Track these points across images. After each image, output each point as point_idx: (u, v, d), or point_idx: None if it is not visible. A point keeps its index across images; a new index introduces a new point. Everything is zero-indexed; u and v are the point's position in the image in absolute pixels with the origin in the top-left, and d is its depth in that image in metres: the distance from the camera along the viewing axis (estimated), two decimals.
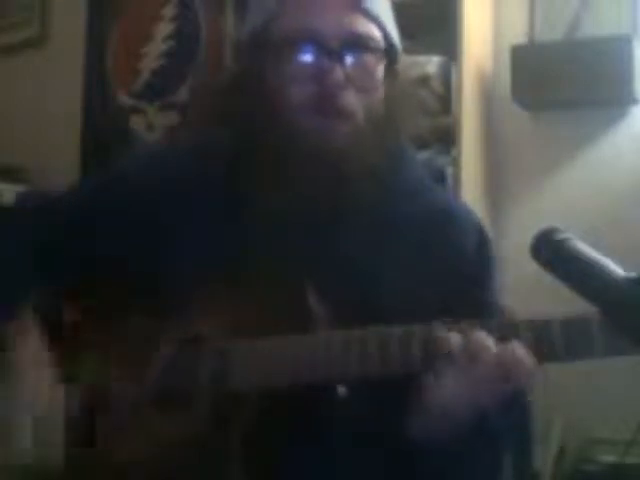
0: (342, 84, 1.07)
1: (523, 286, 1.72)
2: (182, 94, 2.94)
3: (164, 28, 3.01)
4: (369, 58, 1.10)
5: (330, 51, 1.07)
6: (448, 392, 0.95)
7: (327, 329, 1.01)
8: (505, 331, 0.94)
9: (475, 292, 1.14)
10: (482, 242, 1.18)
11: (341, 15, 1.09)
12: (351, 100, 1.08)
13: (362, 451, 1.05)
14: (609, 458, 2.08)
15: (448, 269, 1.12)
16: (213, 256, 1.08)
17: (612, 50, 2.26)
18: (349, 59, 1.08)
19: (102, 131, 3.11)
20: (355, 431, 1.03)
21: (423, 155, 2.16)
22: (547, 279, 0.94)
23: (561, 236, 0.93)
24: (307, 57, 1.08)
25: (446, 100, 2.34)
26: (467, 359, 0.93)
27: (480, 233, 1.19)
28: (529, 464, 1.15)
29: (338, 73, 1.07)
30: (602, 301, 0.87)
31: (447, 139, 2.30)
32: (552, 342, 0.92)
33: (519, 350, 0.92)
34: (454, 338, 0.94)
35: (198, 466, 1.02)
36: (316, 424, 1.02)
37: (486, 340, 0.93)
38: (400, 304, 1.06)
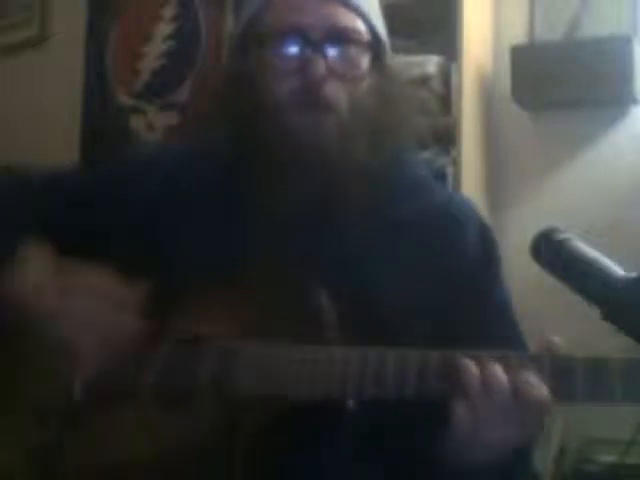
0: (324, 76, 1.08)
1: (523, 286, 1.72)
2: (182, 94, 2.94)
3: (164, 28, 3.01)
4: (352, 50, 1.11)
5: (312, 43, 1.08)
6: (465, 423, 0.94)
7: (329, 330, 1.01)
8: (525, 366, 0.93)
9: (479, 288, 1.13)
10: (484, 238, 1.18)
11: (324, 8, 1.10)
12: (334, 92, 1.09)
13: (366, 463, 1.04)
14: (609, 458, 2.08)
15: (450, 267, 1.12)
16: (213, 257, 1.08)
17: (612, 50, 2.26)
18: (332, 51, 1.09)
19: (102, 131, 3.11)
20: (360, 443, 1.03)
21: (423, 155, 2.16)
22: (547, 279, 0.94)
23: (561, 236, 0.93)
24: (290, 50, 1.09)
25: (446, 100, 2.34)
26: (481, 389, 0.92)
27: (482, 228, 1.18)
28: (529, 464, 1.15)
29: (320, 65, 1.07)
30: (602, 301, 0.87)
31: (447, 139, 2.30)
32: (573, 384, 0.91)
33: (533, 380, 0.92)
34: (471, 367, 0.93)
35: (199, 468, 1.02)
36: (321, 433, 1.01)
37: (500, 371, 0.92)
38: (402, 303, 1.06)
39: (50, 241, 1.13)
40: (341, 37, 1.10)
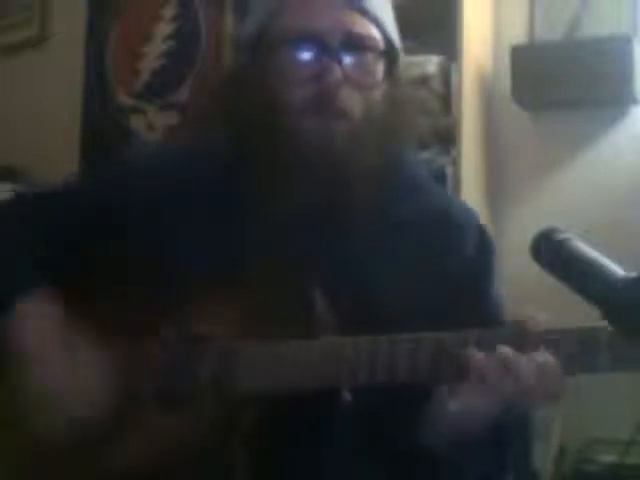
0: (340, 83, 1.07)
1: (523, 286, 1.72)
2: (182, 94, 2.94)
3: (164, 28, 3.01)
4: (368, 57, 1.11)
5: (329, 50, 1.08)
6: (464, 403, 0.96)
7: (330, 330, 1.01)
8: (517, 343, 0.94)
9: (476, 290, 1.14)
10: (482, 241, 1.18)
11: (340, 14, 1.09)
12: (349, 99, 1.08)
13: (364, 456, 1.05)
14: (609, 458, 2.08)
15: (448, 268, 1.13)
16: (213, 257, 1.08)
17: (612, 50, 2.26)
18: (347, 58, 1.09)
19: (102, 131, 3.11)
20: (358, 436, 1.03)
21: (423, 155, 2.16)
22: (547, 279, 0.94)
23: (561, 236, 0.93)
24: (306, 56, 1.09)
25: (446, 100, 2.34)
26: (497, 376, 0.93)
27: (480, 231, 1.19)
28: (529, 464, 1.15)
29: (337, 72, 1.07)
30: (602, 301, 0.87)
31: (447, 139, 2.30)
32: (568, 355, 0.92)
33: (544, 357, 0.93)
34: (479, 356, 0.94)
35: (198, 468, 1.02)
36: (319, 428, 1.02)
37: (514, 355, 0.93)
38: (402, 304, 1.06)
39: (52, 246, 1.13)
40: (357, 44, 1.10)
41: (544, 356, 0.93)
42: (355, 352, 0.98)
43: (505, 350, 0.94)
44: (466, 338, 0.96)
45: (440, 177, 2.22)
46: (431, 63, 2.34)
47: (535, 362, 0.93)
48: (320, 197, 1.08)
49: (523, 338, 0.94)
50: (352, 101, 1.09)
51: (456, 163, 2.29)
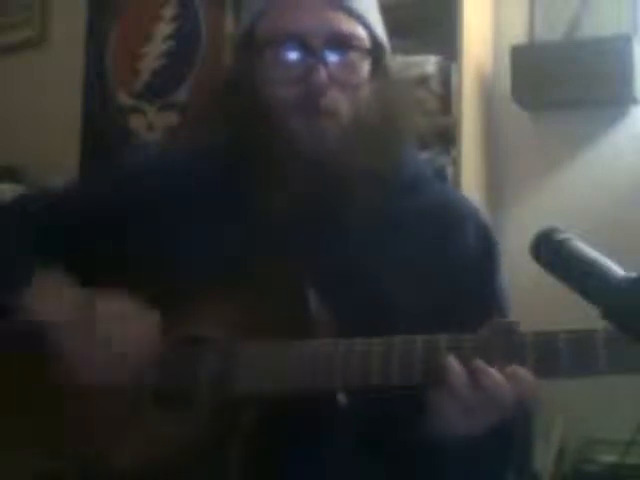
0: (325, 83, 1.08)
1: (523, 286, 1.72)
2: (182, 94, 2.94)
3: (164, 28, 3.01)
4: (353, 56, 1.11)
5: (313, 50, 1.08)
6: (447, 413, 0.96)
7: (328, 331, 1.01)
8: (509, 347, 0.94)
9: (480, 283, 1.13)
10: (484, 236, 1.18)
11: (324, 14, 1.10)
12: (335, 99, 1.09)
13: (362, 456, 1.05)
14: (609, 458, 2.08)
15: (449, 263, 1.12)
16: (213, 257, 1.08)
17: (612, 50, 2.26)
18: (332, 58, 1.09)
19: (102, 131, 3.11)
20: (355, 436, 1.03)
21: (423, 155, 2.16)
22: (547, 279, 0.94)
23: (561, 236, 0.92)
24: (290, 56, 1.09)
25: (446, 100, 2.34)
26: (466, 388, 0.93)
27: (480, 223, 1.19)
28: (529, 464, 1.15)
29: (321, 72, 1.07)
30: (602, 301, 0.87)
31: (447, 139, 2.30)
32: (557, 359, 0.92)
33: (520, 372, 0.93)
34: (455, 368, 0.94)
35: (198, 468, 1.02)
36: (316, 429, 1.01)
37: (486, 370, 0.93)
38: (402, 303, 1.06)
39: (52, 247, 1.13)
40: (341, 43, 1.10)
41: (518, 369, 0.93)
42: (347, 355, 0.97)
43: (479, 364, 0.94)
44: (459, 342, 0.96)
45: (440, 177, 2.22)
46: (430, 63, 2.34)
47: (508, 377, 0.93)
48: (315, 196, 1.08)
49: (518, 342, 0.94)
50: (339, 100, 1.09)
51: (456, 163, 2.30)
